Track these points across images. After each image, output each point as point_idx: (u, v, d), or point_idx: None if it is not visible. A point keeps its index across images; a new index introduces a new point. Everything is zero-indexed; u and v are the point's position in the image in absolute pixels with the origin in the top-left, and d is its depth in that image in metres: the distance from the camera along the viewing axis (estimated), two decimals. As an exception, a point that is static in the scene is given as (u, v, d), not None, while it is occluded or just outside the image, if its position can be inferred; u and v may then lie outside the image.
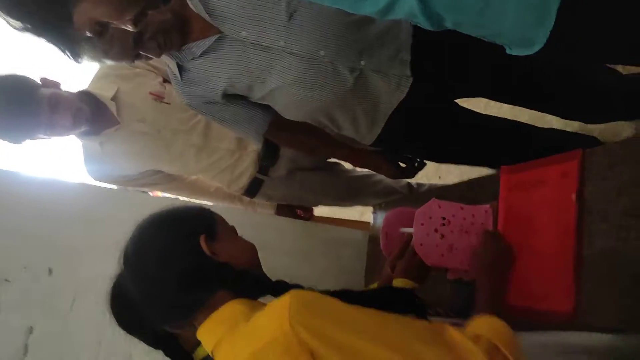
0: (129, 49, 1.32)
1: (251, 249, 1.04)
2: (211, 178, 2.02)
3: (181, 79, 1.48)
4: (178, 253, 0.94)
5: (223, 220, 1.04)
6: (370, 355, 0.79)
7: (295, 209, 2.18)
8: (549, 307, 1.10)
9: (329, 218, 2.48)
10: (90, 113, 1.73)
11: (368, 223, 2.16)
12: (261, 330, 0.84)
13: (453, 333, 0.84)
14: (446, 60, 1.43)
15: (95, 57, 1.31)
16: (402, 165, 1.75)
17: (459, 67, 1.45)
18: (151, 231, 0.98)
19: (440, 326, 0.86)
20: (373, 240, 1.99)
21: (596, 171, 1.05)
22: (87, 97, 1.79)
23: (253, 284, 0.96)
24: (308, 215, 2.22)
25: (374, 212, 2.03)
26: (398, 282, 1.32)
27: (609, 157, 1.03)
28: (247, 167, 1.93)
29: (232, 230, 1.04)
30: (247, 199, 2.10)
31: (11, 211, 1.61)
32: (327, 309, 0.83)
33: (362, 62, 1.38)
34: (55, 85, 1.73)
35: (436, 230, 1.31)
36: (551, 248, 1.12)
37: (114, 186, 2.00)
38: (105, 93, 1.80)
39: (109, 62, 1.40)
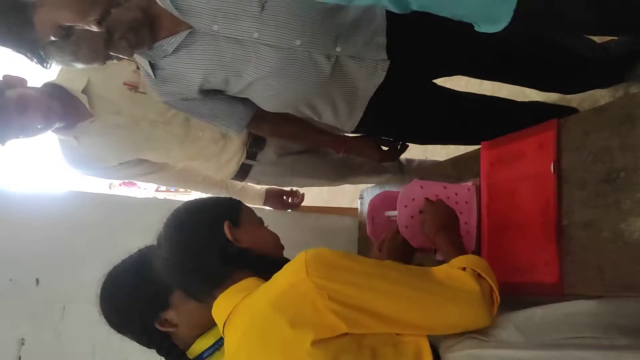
0: (100, 50, 1.30)
1: (274, 238, 1.13)
2: (198, 167, 1.99)
3: (155, 77, 1.46)
4: (203, 235, 1.04)
5: (250, 210, 1.14)
6: (382, 292, 0.88)
7: (282, 197, 2.14)
8: (535, 279, 1.10)
9: (320, 207, 2.47)
10: (62, 109, 1.65)
11: (355, 209, 2.16)
12: (279, 281, 0.92)
13: (442, 268, 0.97)
14: (422, 40, 1.42)
15: (63, 61, 1.28)
16: (385, 148, 1.75)
17: (436, 46, 1.44)
18: (183, 215, 1.09)
19: (429, 268, 0.97)
20: (363, 226, 1.99)
21: (572, 140, 1.05)
22: (56, 91, 1.69)
23: (273, 267, 0.98)
24: (298, 201, 2.17)
25: (361, 198, 2.04)
26: None
27: (583, 125, 1.03)
28: (234, 154, 1.90)
29: (258, 220, 1.14)
30: (235, 187, 2.08)
31: (-7, 224, 1.59)
32: (339, 258, 0.91)
33: (338, 49, 1.37)
34: (21, 82, 1.63)
35: (420, 212, 1.31)
36: (533, 220, 1.13)
37: (96, 191, 1.97)
38: (75, 86, 1.70)
39: (79, 66, 1.37)
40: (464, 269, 0.96)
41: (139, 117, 1.77)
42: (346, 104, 1.50)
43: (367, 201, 1.99)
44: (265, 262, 1.02)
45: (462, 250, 1.09)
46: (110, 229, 1.75)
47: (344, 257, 0.92)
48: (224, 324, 0.98)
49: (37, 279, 1.62)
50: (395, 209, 1.42)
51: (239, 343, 0.93)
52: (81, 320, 1.53)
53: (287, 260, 1.00)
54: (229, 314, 0.96)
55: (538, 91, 2.09)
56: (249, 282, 1.00)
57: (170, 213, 1.09)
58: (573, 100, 1.88)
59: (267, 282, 0.95)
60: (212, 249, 1.02)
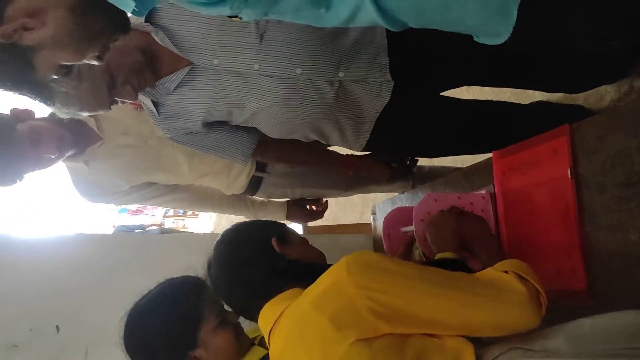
0: (104, 96, 1.29)
1: (320, 254, 1.17)
2: (208, 184, 1.96)
3: (158, 115, 1.46)
4: (253, 250, 1.08)
5: (294, 231, 1.19)
6: (423, 292, 0.88)
7: (305, 206, 2.09)
8: (562, 287, 1.08)
9: (331, 226, 2.45)
10: (73, 136, 1.64)
11: (369, 225, 2.14)
12: (321, 281, 0.93)
13: (484, 271, 0.96)
14: (425, 56, 1.41)
15: (69, 112, 1.28)
16: (394, 165, 1.74)
17: (439, 60, 1.42)
18: (232, 234, 1.14)
19: (473, 274, 0.97)
20: (377, 242, 1.97)
21: (586, 145, 1.03)
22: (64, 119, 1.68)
23: (321, 271, 0.98)
24: (321, 209, 2.12)
25: (373, 214, 2.02)
26: None
27: (597, 129, 1.01)
28: (243, 166, 1.86)
29: (304, 239, 1.18)
30: (255, 202, 2.05)
31: (7, 275, 1.58)
32: (381, 259, 0.92)
33: (341, 74, 1.36)
34: (29, 115, 1.62)
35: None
36: (555, 227, 1.11)
37: (107, 231, 1.96)
38: None
39: (85, 114, 1.37)
40: (506, 272, 0.94)
41: (147, 135, 1.76)
42: (353, 126, 1.49)
43: (379, 216, 1.98)
44: (314, 269, 1.02)
45: (499, 258, 1.08)
46: (122, 268, 1.74)
47: (385, 259, 0.94)
48: (270, 333, 0.99)
49: (57, 326, 1.61)
50: (409, 224, 1.42)
51: (284, 346, 0.95)
52: (105, 361, 1.51)
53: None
54: (275, 321, 0.98)
55: (540, 92, 2.09)
56: (295, 291, 1.01)
57: (221, 234, 1.15)
58: (578, 97, 1.87)
59: (311, 285, 0.96)
60: (261, 262, 1.06)
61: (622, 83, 1.74)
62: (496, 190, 1.28)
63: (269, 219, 2.11)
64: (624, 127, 0.95)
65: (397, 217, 1.51)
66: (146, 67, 1.30)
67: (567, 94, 1.90)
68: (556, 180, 1.10)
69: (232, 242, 1.13)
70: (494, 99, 2.31)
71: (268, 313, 1.02)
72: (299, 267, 1.06)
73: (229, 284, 1.09)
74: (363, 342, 0.83)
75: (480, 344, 0.92)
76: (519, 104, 1.99)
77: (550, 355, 0.81)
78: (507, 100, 2.20)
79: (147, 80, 1.31)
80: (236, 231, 1.15)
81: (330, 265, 1.00)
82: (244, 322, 1.23)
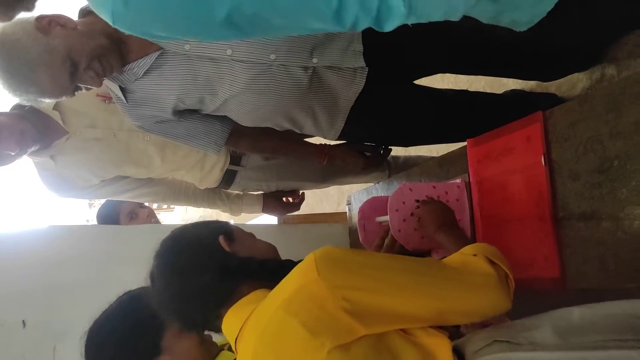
0: (65, 83, 1.24)
1: (271, 247, 1.11)
2: (181, 177, 1.91)
3: (126, 102, 1.41)
4: (199, 254, 1.00)
5: (239, 228, 1.12)
6: (397, 283, 0.85)
7: (282, 198, 2.06)
8: (536, 274, 1.08)
9: (307, 215, 2.43)
10: (35, 131, 1.58)
11: (344, 214, 2.13)
12: (289, 283, 0.88)
13: (453, 256, 0.95)
14: (400, 43, 1.39)
15: (29, 99, 1.23)
16: (368, 154, 1.72)
17: (414, 48, 1.41)
18: (173, 241, 1.05)
19: (440, 259, 0.95)
20: (353, 232, 1.96)
21: (559, 132, 1.03)
22: (26, 112, 1.61)
23: (278, 271, 0.95)
24: (297, 200, 2.09)
25: (349, 204, 2.01)
26: None
27: (569, 116, 1.01)
28: (217, 160, 1.84)
29: (251, 234, 1.11)
30: (230, 196, 2.01)
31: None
32: (349, 254, 0.88)
33: (315, 60, 1.33)
34: None
35: (412, 214, 1.29)
36: (529, 215, 1.11)
37: (76, 223, 1.90)
38: (46, 104, 1.59)
39: (47, 100, 1.32)
40: (474, 256, 0.94)
41: (116, 127, 1.71)
42: (327, 114, 1.47)
43: (355, 207, 1.97)
44: (270, 267, 0.99)
45: (466, 242, 1.08)
46: (94, 261, 1.70)
47: (353, 252, 0.90)
48: (236, 340, 0.93)
49: (23, 321, 1.56)
50: (385, 214, 1.40)
51: (253, 354, 0.88)
52: (74, 357, 1.47)
53: (294, 263, 0.95)
54: (240, 328, 0.92)
55: (514, 80, 2.10)
56: (257, 294, 0.96)
57: (159, 244, 1.04)
58: (551, 85, 1.88)
59: (276, 286, 0.91)
60: (211, 265, 0.98)
61: (593, 70, 1.75)
62: (471, 179, 1.28)
63: (245, 212, 2.09)
64: (595, 114, 0.95)
65: (372, 207, 1.50)
66: (111, 52, 1.25)
67: (540, 83, 1.91)
68: (530, 167, 1.10)
69: (175, 249, 1.03)
70: (469, 88, 2.34)
71: (232, 320, 0.96)
72: (253, 264, 1.00)
73: (179, 297, 0.99)
74: (341, 349, 0.79)
75: (460, 335, 0.91)
76: (493, 93, 2.00)
77: (536, 348, 0.78)
78: (481, 90, 2.22)
79: (112, 65, 1.26)
80: (177, 237, 1.05)
81: (291, 262, 0.97)
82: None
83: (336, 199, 4.18)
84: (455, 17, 0.85)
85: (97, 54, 1.22)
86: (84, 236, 1.85)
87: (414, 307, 0.85)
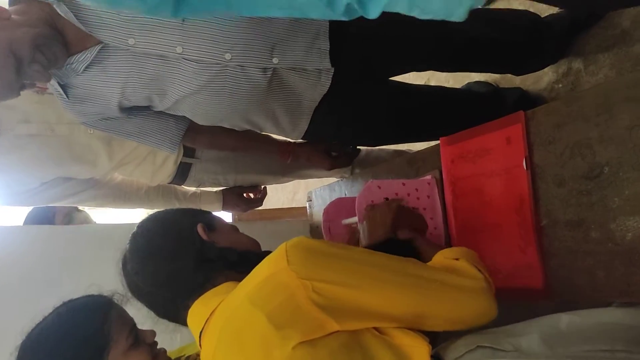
0: (12, 81, 1.07)
1: (254, 241, 1.05)
2: (130, 173, 1.74)
3: (67, 97, 1.25)
4: (176, 239, 0.96)
5: (222, 218, 1.06)
6: (375, 278, 0.79)
7: (242, 194, 1.93)
8: (518, 283, 1.03)
9: (262, 211, 2.31)
10: None
11: (303, 208, 2.03)
12: (257, 272, 0.82)
13: (436, 258, 0.91)
14: (369, 40, 1.30)
15: None
16: (334, 154, 1.63)
17: (384, 44, 1.31)
18: (151, 224, 1.00)
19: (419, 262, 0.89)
20: (314, 229, 1.87)
21: (543, 134, 0.97)
22: None
23: (258, 260, 0.87)
24: (260, 196, 1.96)
25: (309, 200, 1.92)
26: None
27: (554, 117, 0.95)
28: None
29: (234, 226, 1.06)
30: (186, 194, 1.87)
31: None
32: (324, 245, 0.82)
33: (275, 60, 1.21)
34: None
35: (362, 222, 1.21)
36: (508, 220, 1.05)
37: (11, 224, 1.72)
38: None
39: None
40: (457, 260, 0.88)
41: (54, 121, 1.53)
42: (289, 116, 1.36)
43: (316, 203, 1.88)
44: (250, 258, 0.90)
45: (435, 247, 1.02)
46: (30, 264, 1.54)
47: (330, 244, 0.82)
48: (201, 334, 0.86)
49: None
50: (351, 215, 1.32)
51: (215, 348, 0.81)
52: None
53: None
54: (206, 320, 0.85)
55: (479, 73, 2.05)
56: (228, 285, 0.90)
57: (137, 226, 1.00)
58: (515, 79, 1.84)
59: (246, 277, 0.84)
60: (188, 252, 0.93)
61: (560, 64, 1.72)
62: (444, 180, 1.21)
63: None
64: (584, 116, 0.89)
65: (338, 209, 1.42)
66: (53, 40, 1.08)
67: (504, 76, 1.87)
68: (510, 170, 1.03)
69: (153, 232, 0.98)
70: (430, 79, 2.28)
71: (198, 311, 0.89)
72: (232, 255, 0.94)
73: (151, 281, 0.95)
74: (307, 345, 0.72)
75: (441, 339, 0.84)
76: (460, 88, 1.95)
77: (522, 356, 0.73)
78: (443, 81, 2.17)
79: (56, 55, 1.10)
80: (156, 220, 1.01)
81: (269, 252, 0.88)
82: (170, 341, 1.09)
83: (291, 188, 4.08)
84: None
85: (39, 44, 1.06)
86: (18, 237, 1.68)
87: (390, 306, 0.78)
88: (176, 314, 0.95)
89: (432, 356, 0.76)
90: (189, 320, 0.91)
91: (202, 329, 0.85)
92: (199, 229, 0.96)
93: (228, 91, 1.20)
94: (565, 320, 0.80)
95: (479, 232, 1.12)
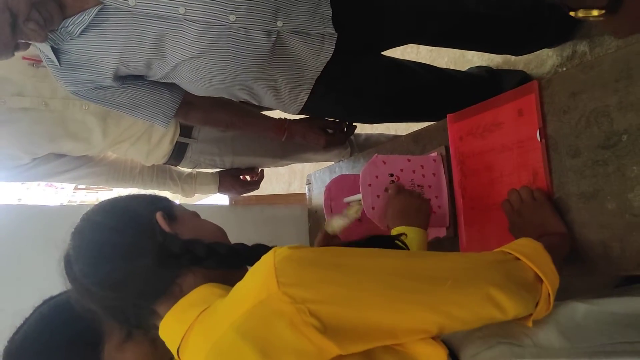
0: (7, 40, 1.03)
1: (219, 229, 0.90)
2: (125, 152, 1.70)
3: (59, 64, 1.21)
4: (131, 232, 0.80)
5: (181, 205, 0.91)
6: (376, 297, 0.65)
7: (239, 176, 1.87)
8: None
9: (258, 197, 2.27)
10: None
11: (302, 195, 1.99)
12: (243, 295, 0.69)
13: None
14: (370, 8, 1.27)
15: None
16: (330, 131, 1.59)
17: (385, 14, 1.29)
18: (97, 215, 0.84)
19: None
20: (313, 214, 1.83)
21: (557, 103, 0.94)
22: None
23: (229, 254, 0.79)
24: (257, 179, 1.91)
25: (308, 184, 1.88)
26: None
27: (569, 85, 0.92)
28: (166, 131, 1.64)
29: (195, 213, 0.91)
30: (182, 175, 1.82)
31: None
32: (319, 255, 0.69)
33: (279, 24, 1.18)
34: None
35: (387, 190, 1.18)
36: (518, 196, 1.01)
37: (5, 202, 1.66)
38: None
39: None
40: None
41: (48, 95, 1.48)
42: (290, 85, 1.32)
43: (315, 187, 1.84)
44: (220, 251, 0.79)
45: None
46: (19, 246, 1.49)
47: (323, 252, 0.70)
48: (178, 351, 0.74)
49: None
50: (353, 193, 1.29)
51: None
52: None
53: (253, 249, 0.79)
54: (183, 335, 0.73)
55: (479, 56, 2.02)
56: (202, 291, 0.77)
57: (81, 219, 0.83)
58: (518, 62, 1.81)
59: (229, 295, 0.72)
60: (148, 246, 0.78)
61: (564, 47, 1.69)
62: (452, 158, 1.17)
63: (200, 193, 1.91)
64: (602, 82, 0.86)
65: (340, 186, 1.38)
66: (49, 0, 1.04)
67: (507, 60, 1.84)
68: (522, 143, 1.00)
69: (104, 225, 0.82)
70: (432, 64, 2.25)
71: (172, 324, 0.77)
72: (199, 248, 0.80)
73: (106, 284, 0.79)
74: None
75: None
76: (460, 70, 1.92)
77: (541, 353, 0.69)
78: (444, 66, 2.13)
79: (52, 15, 1.06)
80: (105, 211, 0.85)
81: (245, 247, 0.80)
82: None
83: (287, 178, 4.03)
84: None
85: (35, 1, 1.02)
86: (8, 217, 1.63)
87: (403, 321, 0.66)
88: (139, 321, 0.82)
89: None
90: (161, 333, 0.79)
91: (180, 345, 0.74)
92: (159, 218, 0.82)
93: (231, 55, 1.16)
94: (581, 310, 0.76)
95: (489, 211, 1.08)
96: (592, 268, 0.88)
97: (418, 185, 1.22)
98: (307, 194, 1.88)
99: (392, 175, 1.20)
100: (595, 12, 0.79)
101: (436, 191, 1.22)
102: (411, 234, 0.98)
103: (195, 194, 1.88)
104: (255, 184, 1.90)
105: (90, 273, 0.80)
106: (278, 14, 1.17)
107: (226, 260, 0.78)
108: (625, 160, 0.82)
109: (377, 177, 1.18)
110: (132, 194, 0.92)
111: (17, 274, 1.51)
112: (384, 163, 1.20)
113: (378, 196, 1.17)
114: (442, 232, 1.23)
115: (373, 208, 1.17)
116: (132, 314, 0.81)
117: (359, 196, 1.21)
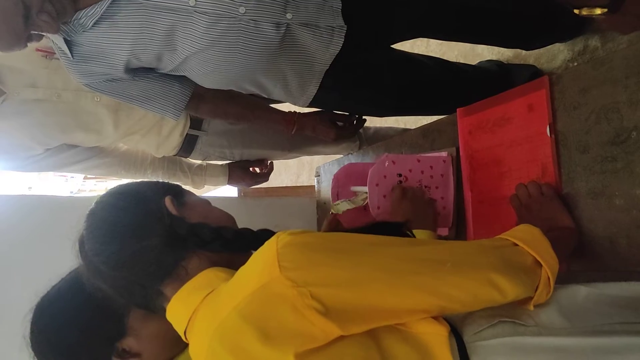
0: (19, 31, 1.05)
1: (229, 217, 0.92)
2: (136, 144, 1.72)
3: (72, 56, 1.22)
4: (140, 214, 0.84)
5: (192, 192, 0.93)
6: (377, 281, 0.67)
7: (248, 168, 1.89)
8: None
9: (267, 189, 2.29)
10: None
11: (311, 187, 2.01)
12: (246, 278, 0.71)
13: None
14: (381, 1, 1.27)
15: None
16: (340, 124, 1.60)
17: (395, 7, 1.29)
18: (109, 198, 0.88)
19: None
20: (321, 206, 1.85)
21: (568, 99, 0.94)
22: None
23: (234, 238, 0.81)
24: (266, 171, 1.91)
25: (317, 176, 1.89)
26: None
27: (580, 81, 0.92)
28: (176, 123, 1.65)
29: (206, 200, 0.93)
30: (192, 166, 1.84)
31: None
32: (320, 239, 0.70)
33: (289, 16, 1.19)
34: None
35: (393, 190, 1.18)
36: (526, 191, 1.02)
37: (16, 192, 1.69)
38: None
39: None
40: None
41: (60, 87, 1.50)
42: (299, 78, 1.33)
43: (324, 179, 1.85)
44: (226, 235, 0.81)
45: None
46: (31, 236, 1.51)
47: (326, 237, 0.72)
48: (185, 332, 0.78)
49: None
50: (361, 182, 1.29)
51: (206, 358, 0.72)
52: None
53: (259, 234, 0.80)
54: (190, 318, 0.76)
55: (489, 50, 2.02)
56: (207, 275, 0.79)
57: (95, 202, 0.87)
58: (529, 57, 1.81)
59: (232, 279, 0.74)
60: (156, 228, 0.81)
61: (575, 42, 1.68)
62: (461, 152, 1.18)
63: (209, 184, 1.93)
64: (612, 78, 0.86)
65: (349, 174, 1.38)
66: None
67: (516, 53, 1.83)
68: (531, 138, 1.00)
69: (115, 206, 0.86)
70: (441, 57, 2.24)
71: (178, 308, 0.79)
72: (205, 231, 0.82)
73: (114, 263, 0.83)
74: (307, 355, 0.64)
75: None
76: (470, 64, 1.91)
77: (542, 332, 0.70)
78: (454, 60, 2.13)
79: (64, 7, 1.07)
80: (118, 193, 0.89)
81: (250, 232, 0.81)
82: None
83: (295, 170, 4.05)
84: None
85: None
86: (19, 207, 1.65)
87: (404, 303, 0.67)
88: (146, 301, 0.85)
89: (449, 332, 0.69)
90: (169, 316, 0.82)
91: (186, 327, 0.77)
92: (167, 202, 0.85)
93: (240, 47, 1.17)
94: (583, 292, 0.76)
95: (497, 205, 1.09)
96: (599, 263, 0.89)
97: (425, 186, 1.22)
98: (315, 186, 1.89)
99: (400, 175, 1.21)
100: (598, 11, 0.81)
101: (442, 192, 1.23)
102: (420, 236, 0.99)
103: (205, 186, 1.90)
104: (265, 176, 1.92)
105: (100, 251, 0.83)
106: (287, 6, 1.18)
107: (231, 244, 0.80)
108: (634, 156, 0.82)
109: (385, 176, 1.19)
110: (142, 180, 0.96)
111: (26, 264, 1.54)
112: (394, 163, 1.20)
113: (384, 196, 1.18)
114: (444, 232, 1.24)
115: (378, 208, 1.18)
116: (139, 295, 0.84)
117: (366, 188, 1.22)
